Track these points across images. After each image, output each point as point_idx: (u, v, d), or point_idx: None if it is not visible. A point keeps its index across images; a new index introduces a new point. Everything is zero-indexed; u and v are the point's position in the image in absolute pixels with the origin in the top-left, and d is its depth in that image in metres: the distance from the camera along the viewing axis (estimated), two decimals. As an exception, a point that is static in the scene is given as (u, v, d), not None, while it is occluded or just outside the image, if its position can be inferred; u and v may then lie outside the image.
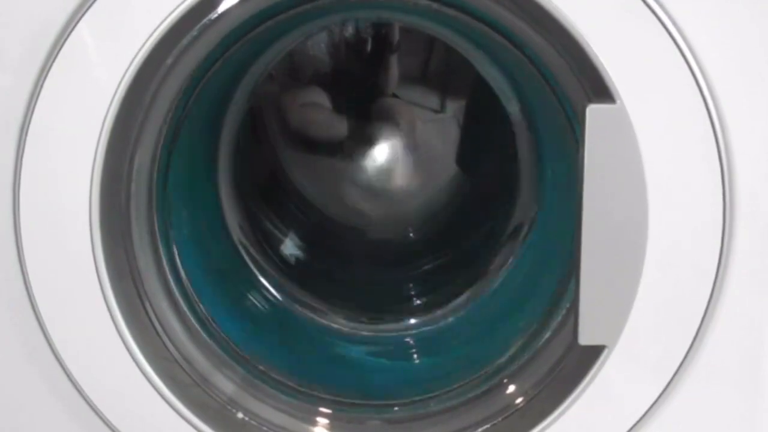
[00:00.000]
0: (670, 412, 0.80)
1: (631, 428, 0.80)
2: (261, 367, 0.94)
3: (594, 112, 0.73)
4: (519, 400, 0.86)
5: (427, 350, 1.10)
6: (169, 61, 0.77)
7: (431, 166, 1.31)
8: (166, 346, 0.85)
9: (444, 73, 1.27)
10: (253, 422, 0.87)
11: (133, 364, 0.80)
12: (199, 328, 0.91)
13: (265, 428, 0.87)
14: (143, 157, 0.82)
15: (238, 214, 1.14)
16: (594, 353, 0.78)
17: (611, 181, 0.74)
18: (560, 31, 0.72)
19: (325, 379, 0.96)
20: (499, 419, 0.85)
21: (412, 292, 1.20)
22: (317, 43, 1.25)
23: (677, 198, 0.75)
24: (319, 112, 1.28)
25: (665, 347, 0.78)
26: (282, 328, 1.10)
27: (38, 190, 0.77)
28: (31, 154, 0.76)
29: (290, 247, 1.24)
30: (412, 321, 1.12)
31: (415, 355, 1.12)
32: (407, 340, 1.11)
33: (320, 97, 1.28)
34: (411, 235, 1.30)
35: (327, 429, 0.90)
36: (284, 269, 1.16)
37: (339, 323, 1.11)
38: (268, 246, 1.19)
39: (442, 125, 1.30)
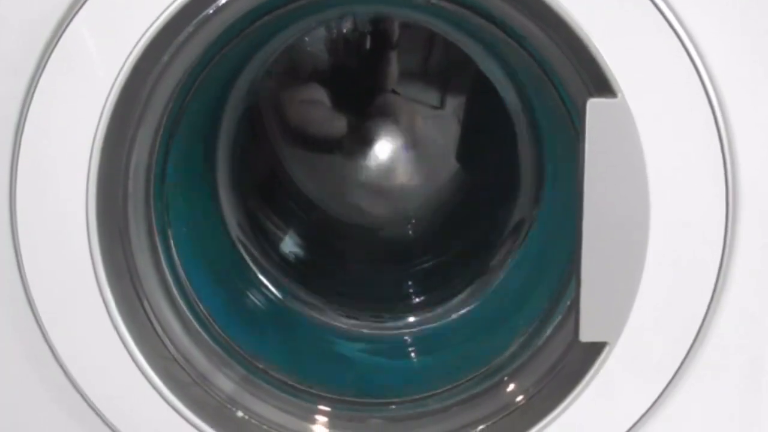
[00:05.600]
0: (673, 410, 0.80)
1: (633, 426, 0.80)
2: (260, 366, 0.93)
3: (594, 106, 0.72)
4: (519, 398, 0.86)
5: (427, 348, 1.10)
6: (166, 57, 0.77)
7: (431, 162, 1.30)
8: (164, 345, 0.85)
9: (444, 69, 1.27)
10: (252, 421, 0.87)
11: (132, 363, 0.80)
12: (198, 327, 0.91)
13: (264, 427, 0.87)
14: (140, 155, 0.82)
15: (236, 212, 1.14)
16: (595, 350, 0.78)
17: (612, 176, 0.73)
18: (560, 24, 0.72)
19: (325, 378, 0.96)
20: (500, 417, 0.85)
21: (412, 290, 1.19)
22: (316, 40, 1.24)
23: (679, 193, 0.74)
24: (318, 108, 1.28)
25: (667, 344, 0.78)
26: (281, 327, 1.10)
27: (35, 189, 0.77)
28: (27, 152, 0.76)
29: (289, 245, 1.24)
30: (412, 319, 1.12)
31: (415, 354, 1.12)
32: (407, 338, 1.11)
33: (319, 94, 1.27)
34: (410, 232, 1.30)
35: (326, 427, 0.90)
36: (283, 267, 1.16)
37: (338, 321, 1.11)
38: (268, 244, 1.19)
39: (442, 121, 1.29)
